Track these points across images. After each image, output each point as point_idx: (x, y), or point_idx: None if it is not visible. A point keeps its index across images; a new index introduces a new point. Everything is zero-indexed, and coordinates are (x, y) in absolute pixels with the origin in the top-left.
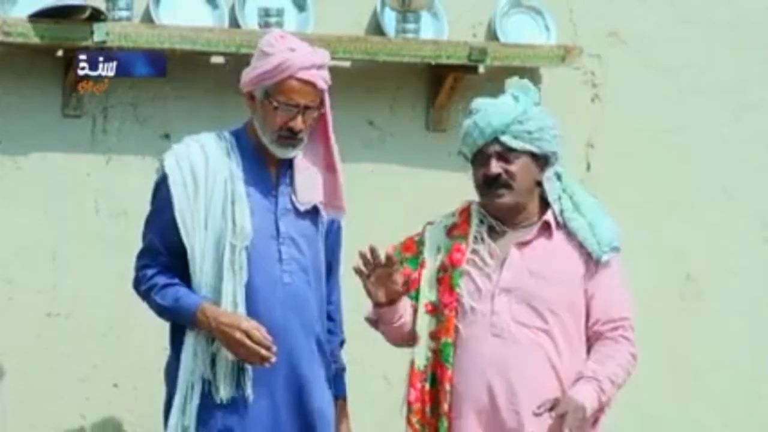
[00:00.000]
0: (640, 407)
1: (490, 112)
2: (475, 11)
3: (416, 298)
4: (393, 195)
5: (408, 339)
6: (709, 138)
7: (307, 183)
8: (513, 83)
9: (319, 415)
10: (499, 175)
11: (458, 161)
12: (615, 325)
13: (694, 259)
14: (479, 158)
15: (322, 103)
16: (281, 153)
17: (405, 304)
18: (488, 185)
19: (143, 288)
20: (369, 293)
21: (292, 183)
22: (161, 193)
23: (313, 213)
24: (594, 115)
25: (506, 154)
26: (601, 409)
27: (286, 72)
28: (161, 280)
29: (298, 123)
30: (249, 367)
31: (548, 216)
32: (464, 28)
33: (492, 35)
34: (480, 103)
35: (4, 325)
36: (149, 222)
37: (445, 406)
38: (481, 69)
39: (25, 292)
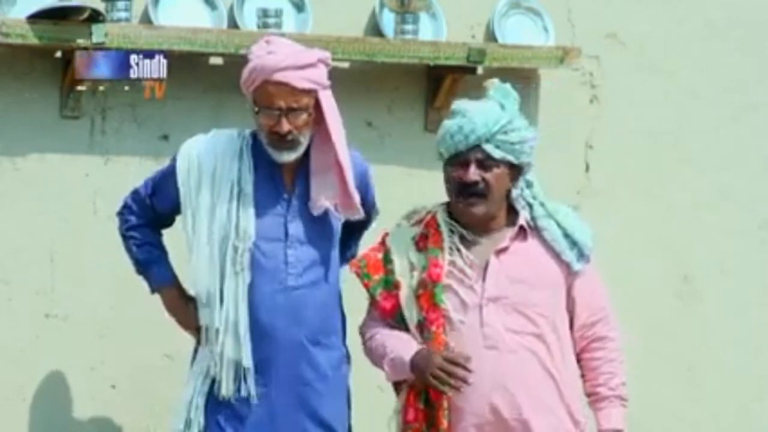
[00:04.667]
0: (636, 407)
1: (476, 119)
2: (474, 12)
3: (401, 320)
4: (391, 196)
5: None
6: (707, 139)
7: (321, 187)
8: (495, 86)
9: (320, 421)
10: (476, 182)
11: None
12: (596, 325)
13: (692, 260)
14: (457, 161)
15: (317, 104)
16: (278, 157)
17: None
18: (462, 191)
19: (122, 229)
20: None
21: (306, 186)
22: (174, 169)
23: (325, 215)
24: (592, 116)
25: (486, 162)
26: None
27: (260, 76)
28: (143, 236)
29: (282, 126)
30: (251, 368)
31: (521, 221)
32: (463, 29)
33: (490, 36)
34: (464, 106)
35: (3, 326)
36: (154, 180)
37: (445, 423)
38: (480, 70)
39: (24, 293)
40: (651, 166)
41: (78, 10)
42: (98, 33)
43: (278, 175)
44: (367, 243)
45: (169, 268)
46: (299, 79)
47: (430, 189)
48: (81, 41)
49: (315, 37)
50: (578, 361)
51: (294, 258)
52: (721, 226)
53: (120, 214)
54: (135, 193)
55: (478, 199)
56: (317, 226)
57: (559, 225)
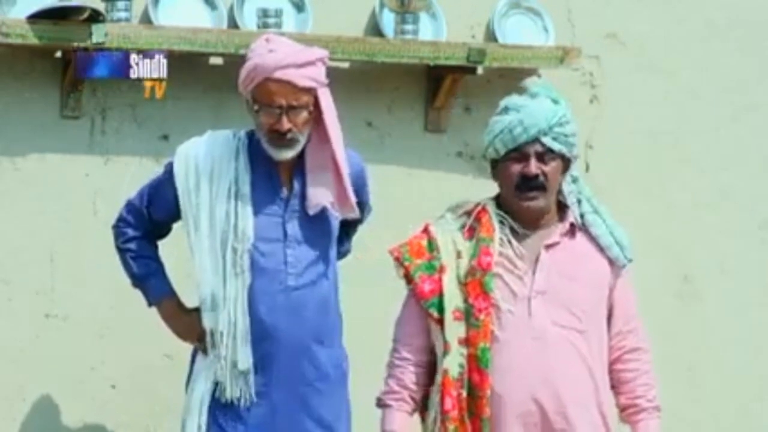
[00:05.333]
0: None
1: (536, 113)
2: (474, 12)
3: (438, 306)
4: (391, 196)
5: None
6: (707, 139)
7: (318, 185)
8: (538, 84)
9: (321, 421)
10: (537, 176)
11: (457, 162)
12: (629, 336)
13: (692, 260)
14: (514, 156)
15: (316, 102)
16: (276, 155)
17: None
18: (522, 185)
19: (118, 243)
20: None
21: (303, 185)
22: (170, 174)
23: (323, 214)
24: (592, 116)
25: (545, 155)
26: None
27: (261, 74)
28: (139, 249)
29: (283, 124)
30: (251, 371)
31: (571, 218)
32: (463, 29)
33: (491, 36)
34: (519, 101)
35: (3, 326)
36: (150, 188)
37: (487, 411)
38: (480, 70)
39: (23, 293)
40: (651, 166)
41: (78, 10)
42: (98, 33)
43: (275, 174)
44: (373, 245)
45: (166, 281)
46: (300, 77)
47: (430, 189)
48: (81, 41)
49: (315, 37)
50: (609, 372)
51: (293, 258)
52: (721, 226)
53: (116, 227)
54: (130, 205)
55: (539, 192)
56: (315, 225)
57: (604, 222)
